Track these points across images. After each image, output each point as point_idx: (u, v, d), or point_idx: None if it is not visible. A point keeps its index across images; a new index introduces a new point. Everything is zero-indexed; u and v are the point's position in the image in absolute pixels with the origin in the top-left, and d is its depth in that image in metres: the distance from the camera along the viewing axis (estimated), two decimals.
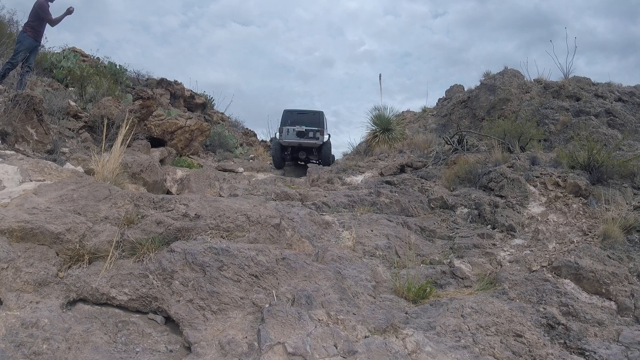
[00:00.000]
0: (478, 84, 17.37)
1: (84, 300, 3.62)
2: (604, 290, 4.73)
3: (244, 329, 3.37)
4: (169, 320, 3.63)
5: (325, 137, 14.80)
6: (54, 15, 9.04)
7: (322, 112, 15.44)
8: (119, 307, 3.65)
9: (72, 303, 3.58)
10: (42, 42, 9.72)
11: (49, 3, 8.98)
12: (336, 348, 3.15)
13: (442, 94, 23.40)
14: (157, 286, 3.68)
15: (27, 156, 6.35)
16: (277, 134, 14.89)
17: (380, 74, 21.39)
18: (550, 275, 4.93)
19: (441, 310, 4.16)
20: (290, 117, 14.90)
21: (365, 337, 3.40)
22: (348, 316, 3.59)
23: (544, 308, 4.34)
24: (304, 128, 14.27)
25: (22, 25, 9.16)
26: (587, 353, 3.77)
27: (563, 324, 4.11)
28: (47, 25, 9.13)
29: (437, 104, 22.12)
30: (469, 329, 3.82)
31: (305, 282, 3.92)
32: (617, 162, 7.54)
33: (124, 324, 3.49)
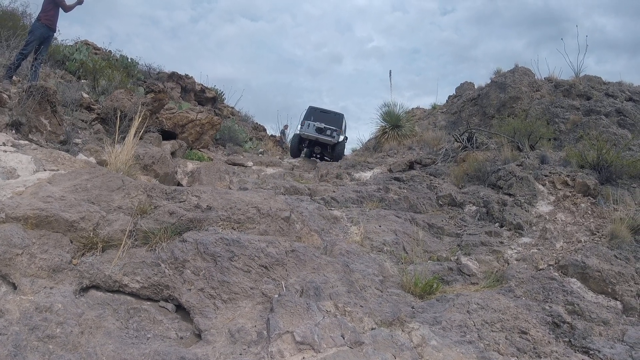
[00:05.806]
0: (487, 81, 17.35)
1: (96, 287, 3.69)
2: (610, 290, 4.75)
3: (254, 318, 3.43)
4: (179, 308, 3.70)
5: (341, 138, 15.49)
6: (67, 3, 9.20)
7: (342, 115, 16.15)
8: (131, 294, 3.72)
9: (85, 289, 3.65)
10: (56, 32, 9.81)
11: None
12: (343, 338, 3.21)
13: (451, 91, 23.29)
14: (169, 275, 3.75)
15: (41, 146, 6.43)
16: (299, 126, 15.79)
17: (390, 71, 21.50)
18: (556, 274, 4.96)
19: (447, 305, 4.20)
20: (314, 114, 15.69)
21: (372, 329, 3.45)
22: (355, 308, 3.64)
23: (549, 306, 4.37)
24: (322, 125, 15.02)
25: (36, 16, 9.26)
26: (591, 352, 3.81)
27: (568, 323, 4.15)
28: (60, 14, 9.26)
29: (447, 101, 22.00)
30: (475, 325, 3.87)
31: (314, 274, 3.98)
32: (627, 162, 7.53)
33: (136, 310, 3.56)
